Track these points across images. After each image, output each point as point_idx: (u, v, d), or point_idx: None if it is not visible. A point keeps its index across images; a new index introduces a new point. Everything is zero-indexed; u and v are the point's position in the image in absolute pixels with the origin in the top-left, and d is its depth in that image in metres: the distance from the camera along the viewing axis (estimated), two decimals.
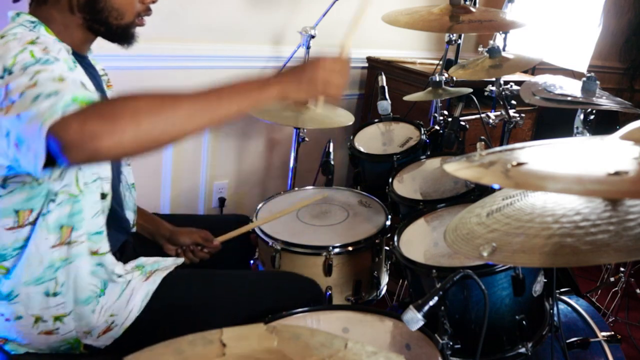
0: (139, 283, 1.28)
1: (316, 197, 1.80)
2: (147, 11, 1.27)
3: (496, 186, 0.74)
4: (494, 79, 2.09)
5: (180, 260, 1.42)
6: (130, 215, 1.45)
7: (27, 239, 1.13)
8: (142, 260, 1.35)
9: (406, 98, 2.21)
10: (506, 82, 2.11)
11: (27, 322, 1.18)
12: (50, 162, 0.90)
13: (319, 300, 1.44)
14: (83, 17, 1.19)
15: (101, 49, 1.35)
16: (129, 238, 1.44)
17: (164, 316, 1.27)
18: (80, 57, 1.24)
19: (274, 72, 1.08)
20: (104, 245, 1.23)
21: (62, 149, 0.85)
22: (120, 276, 1.24)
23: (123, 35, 1.25)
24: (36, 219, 1.12)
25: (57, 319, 1.19)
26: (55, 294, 1.17)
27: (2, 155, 1.04)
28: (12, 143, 0.96)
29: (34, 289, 1.16)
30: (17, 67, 0.98)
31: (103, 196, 1.23)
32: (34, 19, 1.15)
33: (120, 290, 1.25)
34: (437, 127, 2.26)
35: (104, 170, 1.23)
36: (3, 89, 0.96)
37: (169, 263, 1.38)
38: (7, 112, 0.94)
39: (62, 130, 0.86)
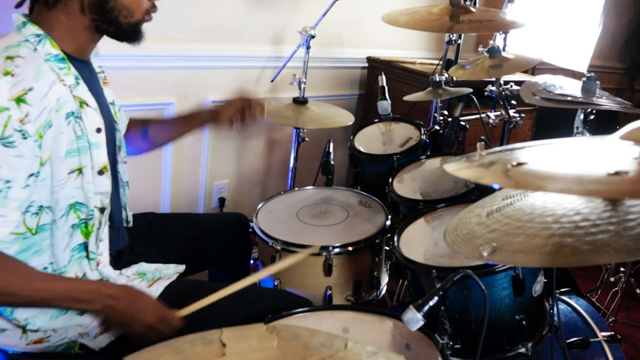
0: (142, 289, 1.28)
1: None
2: (153, 7, 1.28)
3: (496, 186, 0.74)
4: (494, 79, 2.09)
5: (181, 267, 1.42)
6: (123, 212, 1.46)
7: None
8: (143, 267, 1.35)
9: (406, 98, 2.21)
10: (506, 82, 2.10)
11: (12, 334, 1.18)
12: None
13: None
14: (91, 18, 1.19)
15: (101, 49, 1.35)
16: (126, 237, 1.45)
17: None
18: (82, 63, 1.24)
19: (112, 291, 1.17)
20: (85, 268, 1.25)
21: None
22: None
23: (133, 34, 1.26)
24: None
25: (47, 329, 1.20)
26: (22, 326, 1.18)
27: None
28: None
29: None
30: None
31: (102, 210, 1.24)
32: (40, 31, 1.14)
33: None
34: (437, 127, 2.26)
35: (104, 186, 1.24)
36: None
37: (170, 271, 1.38)
38: None
39: None
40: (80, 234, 1.22)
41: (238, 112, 1.56)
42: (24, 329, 1.17)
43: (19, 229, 1.11)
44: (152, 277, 1.32)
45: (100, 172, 1.23)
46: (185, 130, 1.61)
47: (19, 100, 1.05)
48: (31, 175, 1.08)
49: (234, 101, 1.57)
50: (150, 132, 1.59)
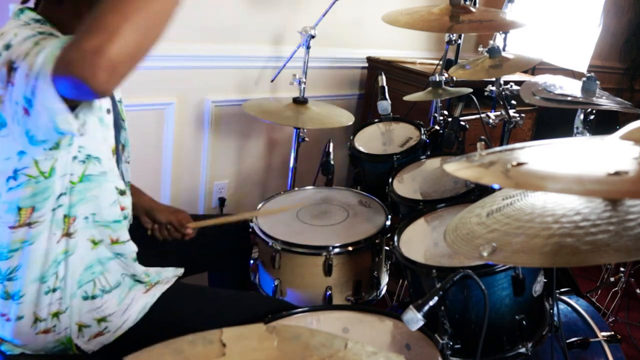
0: (138, 294, 1.29)
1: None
2: None
3: (496, 186, 0.74)
4: (494, 79, 2.09)
5: (180, 271, 1.42)
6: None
7: (28, 240, 1.13)
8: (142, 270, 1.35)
9: (406, 98, 2.21)
10: (506, 82, 2.10)
11: (27, 322, 1.18)
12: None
13: None
14: None
15: None
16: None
17: (157, 330, 1.25)
18: None
19: None
20: (124, 233, 1.25)
21: (76, 83, 0.82)
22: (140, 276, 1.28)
23: None
24: (41, 217, 1.12)
25: (55, 315, 1.19)
26: (54, 290, 1.18)
27: (14, 139, 1.04)
28: (21, 112, 0.95)
29: (39, 287, 1.16)
30: (18, 39, 0.98)
31: (121, 192, 1.25)
32: (38, 17, 1.12)
33: (119, 298, 1.26)
34: (437, 127, 2.26)
35: (115, 167, 1.24)
36: (4, 68, 0.97)
37: (169, 274, 1.38)
38: (13, 82, 0.94)
39: (63, 66, 0.83)
40: (119, 205, 1.24)
41: (170, 224, 1.53)
42: (36, 318, 1.18)
43: (72, 176, 1.12)
44: (151, 282, 1.32)
45: (112, 152, 1.23)
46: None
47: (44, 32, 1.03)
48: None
49: (171, 216, 1.53)
50: None
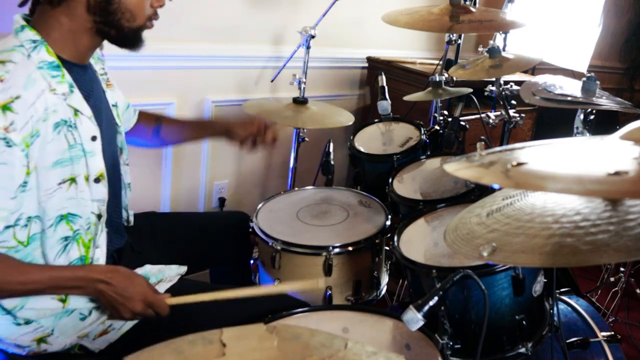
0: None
1: None
2: (155, 15, 1.27)
3: (496, 186, 0.74)
4: (494, 79, 2.09)
5: (183, 269, 1.42)
6: (124, 214, 1.46)
7: None
8: (147, 269, 1.35)
9: (406, 98, 2.21)
10: (506, 82, 2.10)
11: (12, 347, 1.19)
12: None
13: None
14: (94, 20, 1.17)
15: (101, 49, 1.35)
16: (127, 237, 1.45)
17: (162, 326, 1.26)
18: (80, 68, 1.23)
19: (101, 275, 1.16)
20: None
21: None
22: None
23: (133, 39, 1.25)
24: None
25: (40, 340, 1.20)
26: (27, 322, 1.18)
27: None
28: None
29: (5, 319, 1.18)
30: None
31: (99, 217, 1.24)
32: (37, 37, 1.13)
33: None
34: (437, 127, 2.26)
35: (100, 193, 1.23)
36: None
37: (172, 272, 1.38)
38: None
39: None
40: (77, 247, 1.21)
41: (252, 135, 1.58)
42: (18, 345, 1.19)
43: (9, 242, 1.11)
44: (154, 281, 1.32)
45: (97, 180, 1.22)
46: (198, 137, 1.66)
47: (5, 107, 1.04)
48: (19, 185, 1.07)
49: (251, 123, 1.59)
50: (163, 131, 1.61)
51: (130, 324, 1.26)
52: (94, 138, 1.21)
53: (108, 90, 1.36)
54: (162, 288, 1.32)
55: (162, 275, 1.35)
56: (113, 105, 1.37)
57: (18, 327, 1.17)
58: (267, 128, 1.59)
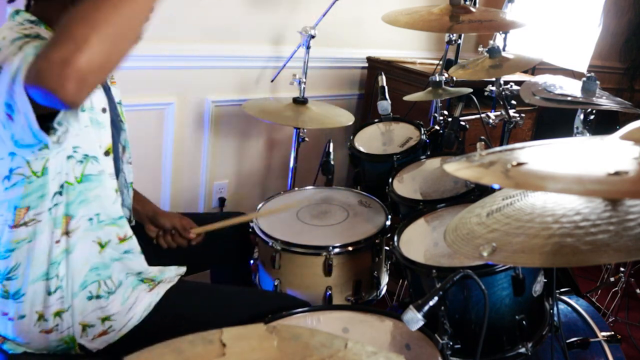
0: (142, 293, 1.29)
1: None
2: None
3: (496, 186, 0.74)
4: (494, 79, 2.09)
5: (183, 269, 1.42)
6: (126, 212, 1.46)
7: (26, 239, 1.13)
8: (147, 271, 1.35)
9: (406, 98, 2.21)
10: (506, 82, 2.10)
11: (29, 321, 1.18)
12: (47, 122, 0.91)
13: None
14: None
15: None
16: None
17: (162, 328, 1.26)
18: None
19: None
20: (129, 229, 1.27)
21: (46, 93, 0.82)
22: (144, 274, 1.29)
23: None
24: (37, 216, 1.13)
25: (57, 314, 1.19)
26: (56, 289, 1.17)
27: (3, 141, 1.05)
28: (4, 116, 0.95)
29: (39, 286, 1.16)
30: (5, 42, 0.98)
31: (116, 191, 1.25)
32: (33, 17, 1.13)
33: (123, 297, 1.26)
34: (437, 127, 2.26)
35: (110, 167, 1.24)
36: None
37: (172, 273, 1.38)
38: None
39: (33, 76, 0.83)
40: (120, 206, 1.25)
41: (172, 229, 1.53)
42: (39, 316, 1.18)
43: (69, 176, 1.12)
44: (153, 282, 1.32)
45: (107, 153, 1.22)
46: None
47: (29, 35, 1.02)
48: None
49: (175, 220, 1.53)
50: None
51: (130, 326, 1.26)
52: (104, 110, 1.21)
53: (113, 87, 1.36)
54: (162, 289, 1.32)
55: (162, 276, 1.35)
56: (118, 103, 1.36)
57: (49, 297, 1.17)
58: (191, 228, 1.54)
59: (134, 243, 1.28)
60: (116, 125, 1.34)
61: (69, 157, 1.13)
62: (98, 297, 1.23)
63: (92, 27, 0.82)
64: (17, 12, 1.14)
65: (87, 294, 1.22)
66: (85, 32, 0.81)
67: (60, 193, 1.14)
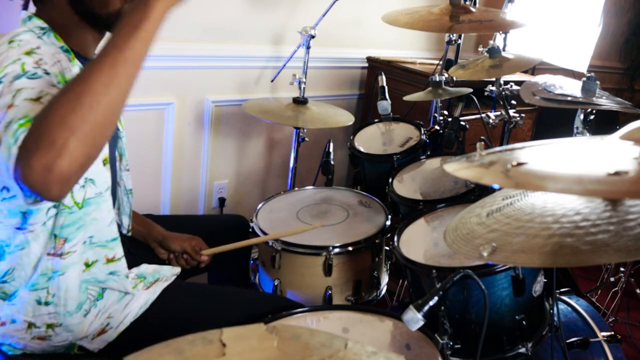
0: (139, 291, 1.29)
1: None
2: None
3: (496, 186, 0.74)
4: (494, 79, 2.09)
5: (177, 269, 1.42)
6: (126, 220, 1.46)
7: (20, 245, 1.13)
8: (142, 269, 1.35)
9: (406, 98, 2.21)
10: (506, 82, 2.10)
11: (20, 326, 1.18)
12: None
13: None
14: (75, 13, 1.15)
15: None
16: (125, 242, 1.45)
17: (159, 325, 1.27)
18: (87, 60, 1.21)
19: None
20: (120, 250, 1.25)
21: (32, 193, 0.84)
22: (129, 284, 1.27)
23: (114, 24, 1.22)
24: (31, 226, 1.12)
25: (50, 326, 1.19)
26: (47, 303, 1.17)
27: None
28: None
29: (28, 295, 1.16)
30: (6, 79, 0.96)
31: (110, 211, 1.24)
32: (44, 24, 1.13)
33: (119, 295, 1.26)
34: (437, 127, 2.26)
35: (105, 177, 1.23)
36: None
37: (167, 272, 1.38)
38: None
39: (19, 175, 0.84)
40: (116, 226, 1.23)
41: (184, 252, 1.54)
42: (29, 324, 1.17)
43: (66, 201, 1.10)
44: (151, 280, 1.33)
45: (104, 162, 1.22)
46: (137, 234, 1.56)
47: (30, 52, 1.02)
48: None
49: (185, 243, 1.54)
50: None
51: (126, 322, 1.26)
52: None
53: None
54: (158, 288, 1.32)
55: (159, 275, 1.35)
56: None
57: (39, 306, 1.17)
58: (201, 249, 1.55)
59: (121, 265, 1.26)
60: (114, 134, 1.34)
61: None
62: (94, 306, 1.23)
63: (71, 130, 0.83)
64: (30, 17, 1.14)
65: (83, 313, 1.21)
66: (64, 136, 0.82)
67: (55, 206, 1.12)
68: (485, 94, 2.14)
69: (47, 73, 1.01)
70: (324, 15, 2.37)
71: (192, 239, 1.55)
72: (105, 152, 1.22)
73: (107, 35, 1.24)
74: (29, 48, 1.04)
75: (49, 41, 1.12)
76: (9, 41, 1.06)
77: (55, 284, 1.17)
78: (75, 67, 1.15)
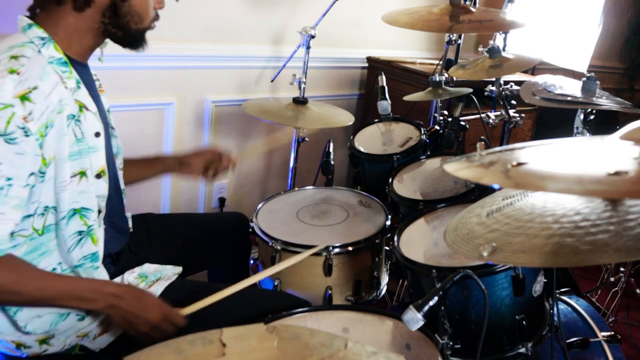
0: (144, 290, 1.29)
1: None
2: (157, 16, 1.30)
3: (496, 186, 0.74)
4: (494, 79, 2.09)
5: (179, 269, 1.42)
6: (124, 220, 1.46)
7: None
8: (144, 268, 1.35)
9: (406, 98, 2.21)
10: (506, 82, 2.10)
11: (12, 347, 1.19)
12: None
13: None
14: (102, 21, 1.18)
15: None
16: (126, 239, 1.45)
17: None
18: (82, 67, 1.24)
19: (115, 290, 1.16)
20: (97, 275, 1.25)
21: None
22: None
23: (140, 40, 1.27)
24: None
25: (43, 342, 1.20)
26: (25, 324, 1.18)
27: None
28: None
29: (7, 315, 1.17)
30: None
31: (98, 212, 1.24)
32: (44, 34, 1.14)
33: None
34: (437, 127, 2.26)
35: (102, 189, 1.24)
36: None
37: (169, 272, 1.38)
38: None
39: None
40: (91, 243, 1.22)
41: (208, 162, 1.56)
42: (18, 345, 1.18)
43: (27, 231, 1.11)
44: (153, 279, 1.33)
45: (98, 176, 1.23)
46: (147, 175, 1.58)
47: (24, 97, 1.05)
48: (32, 174, 1.08)
49: (204, 153, 1.57)
50: None
51: None
52: (97, 134, 1.22)
53: (101, 96, 1.37)
54: (160, 286, 1.32)
55: (160, 274, 1.36)
56: (107, 110, 1.37)
57: (17, 330, 1.17)
58: (223, 155, 1.58)
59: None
60: (107, 134, 1.35)
61: (28, 216, 1.12)
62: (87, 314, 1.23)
63: (17, 291, 1.06)
64: (29, 25, 1.15)
65: (77, 317, 1.21)
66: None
67: (11, 234, 1.11)
68: (485, 94, 2.14)
69: (27, 135, 1.05)
70: (324, 15, 2.36)
71: (207, 152, 1.58)
72: (101, 164, 1.22)
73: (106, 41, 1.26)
74: (27, 88, 1.06)
75: (47, 54, 1.13)
76: (11, 57, 1.07)
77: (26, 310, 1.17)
78: (72, 80, 1.17)
